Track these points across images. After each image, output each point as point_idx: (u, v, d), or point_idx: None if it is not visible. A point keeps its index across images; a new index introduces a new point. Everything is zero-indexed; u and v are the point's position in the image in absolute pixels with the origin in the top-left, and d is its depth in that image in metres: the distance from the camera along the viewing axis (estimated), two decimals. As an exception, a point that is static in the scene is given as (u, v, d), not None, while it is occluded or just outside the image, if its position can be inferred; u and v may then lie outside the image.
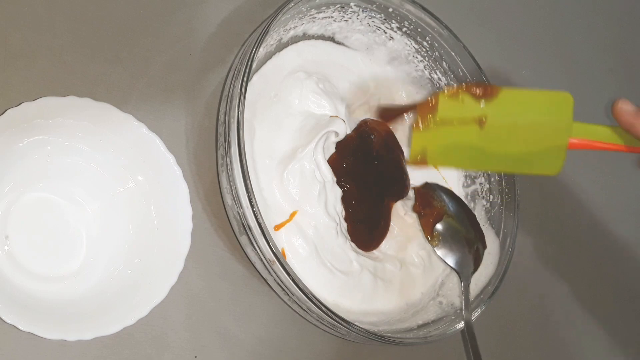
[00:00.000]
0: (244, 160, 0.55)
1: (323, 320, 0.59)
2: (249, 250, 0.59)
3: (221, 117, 0.59)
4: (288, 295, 0.59)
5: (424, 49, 0.69)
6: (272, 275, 0.58)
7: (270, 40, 0.63)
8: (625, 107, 0.52)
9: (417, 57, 0.69)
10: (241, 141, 0.55)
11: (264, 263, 0.57)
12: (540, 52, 0.82)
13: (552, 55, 0.83)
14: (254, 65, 0.59)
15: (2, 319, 0.51)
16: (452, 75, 0.69)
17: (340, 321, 0.57)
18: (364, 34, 0.68)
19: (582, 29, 0.85)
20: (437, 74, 0.70)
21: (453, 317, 0.64)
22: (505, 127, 0.52)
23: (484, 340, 0.71)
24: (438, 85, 0.70)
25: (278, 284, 0.58)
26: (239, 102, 0.56)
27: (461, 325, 0.63)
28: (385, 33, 0.68)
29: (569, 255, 0.80)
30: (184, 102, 0.63)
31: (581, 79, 0.84)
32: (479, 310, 0.64)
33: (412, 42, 0.68)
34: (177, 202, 0.58)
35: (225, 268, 0.62)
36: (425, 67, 0.70)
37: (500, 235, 0.68)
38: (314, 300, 0.56)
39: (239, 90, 0.56)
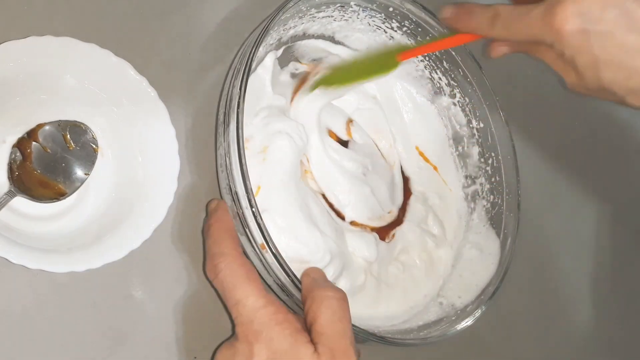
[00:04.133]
0: (243, 161, 0.55)
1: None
2: (248, 250, 0.59)
3: (220, 117, 0.59)
4: (287, 295, 0.58)
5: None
6: (271, 276, 0.57)
7: (270, 40, 0.63)
8: (445, 15, 0.57)
9: (417, 57, 0.69)
10: (240, 141, 0.55)
11: (263, 264, 0.57)
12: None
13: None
14: (254, 65, 0.58)
15: (9, 261, 0.51)
16: (452, 75, 0.69)
17: None
18: (364, 33, 0.68)
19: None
20: (437, 74, 0.70)
21: (453, 318, 0.64)
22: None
23: (485, 341, 0.70)
24: (439, 85, 0.70)
25: (278, 285, 0.58)
26: (238, 102, 0.56)
27: (462, 325, 0.63)
28: (386, 32, 0.68)
29: (570, 255, 0.80)
30: (183, 102, 0.63)
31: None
32: (480, 311, 0.64)
33: (413, 42, 0.68)
34: (156, 124, 0.59)
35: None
36: (425, 67, 0.70)
37: (501, 236, 0.68)
38: None
39: (238, 90, 0.56)
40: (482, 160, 0.70)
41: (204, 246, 0.57)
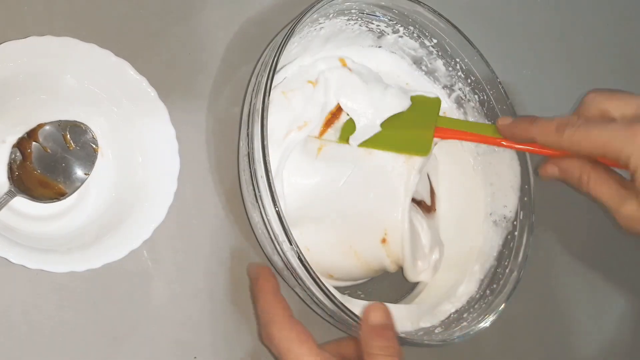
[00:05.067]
0: (273, 189, 0.54)
1: (344, 322, 0.58)
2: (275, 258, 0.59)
3: (243, 149, 0.59)
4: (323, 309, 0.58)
5: (352, 15, 0.66)
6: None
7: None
8: (503, 122, 0.61)
9: (349, 23, 0.67)
10: (268, 163, 0.54)
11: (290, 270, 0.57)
12: (540, 52, 0.82)
13: (552, 55, 0.82)
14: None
15: (9, 261, 0.51)
16: (389, 17, 0.67)
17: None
18: (298, 43, 0.66)
19: (583, 29, 0.85)
20: (373, 24, 0.68)
21: (477, 315, 0.64)
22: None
23: (490, 343, 0.70)
24: (379, 30, 0.68)
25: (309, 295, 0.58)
26: (261, 119, 0.55)
27: (484, 325, 0.63)
28: (317, 29, 0.66)
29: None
30: (183, 102, 0.63)
31: (582, 79, 0.84)
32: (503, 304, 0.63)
33: (342, 18, 0.66)
34: (157, 124, 0.59)
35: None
36: (360, 25, 0.67)
37: None
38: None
39: (260, 105, 0.55)
40: (451, 68, 0.69)
41: (255, 310, 0.60)
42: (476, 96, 0.69)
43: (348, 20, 0.66)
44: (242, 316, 0.62)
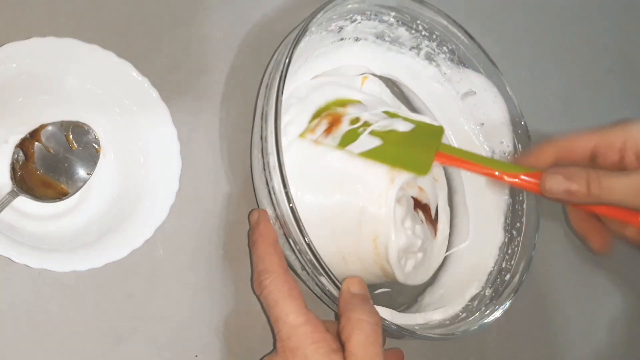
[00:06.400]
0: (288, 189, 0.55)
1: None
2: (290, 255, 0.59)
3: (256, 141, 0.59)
4: (329, 297, 0.59)
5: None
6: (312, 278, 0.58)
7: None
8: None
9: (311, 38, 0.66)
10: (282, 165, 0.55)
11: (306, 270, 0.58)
12: (539, 52, 0.82)
13: (551, 55, 0.83)
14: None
15: (12, 261, 0.52)
16: (345, 17, 0.67)
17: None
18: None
19: (581, 29, 0.85)
20: (332, 26, 0.67)
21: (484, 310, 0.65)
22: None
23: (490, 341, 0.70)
24: (339, 27, 0.67)
25: (319, 287, 0.59)
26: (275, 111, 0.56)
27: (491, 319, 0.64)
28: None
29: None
30: (184, 103, 0.63)
31: (580, 80, 0.84)
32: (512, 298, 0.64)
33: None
34: (158, 124, 0.59)
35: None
36: (320, 32, 0.66)
37: (481, 69, 0.69)
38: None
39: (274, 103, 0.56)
40: (414, 31, 0.69)
41: (251, 260, 0.59)
42: (445, 47, 0.70)
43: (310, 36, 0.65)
44: (244, 315, 0.62)
